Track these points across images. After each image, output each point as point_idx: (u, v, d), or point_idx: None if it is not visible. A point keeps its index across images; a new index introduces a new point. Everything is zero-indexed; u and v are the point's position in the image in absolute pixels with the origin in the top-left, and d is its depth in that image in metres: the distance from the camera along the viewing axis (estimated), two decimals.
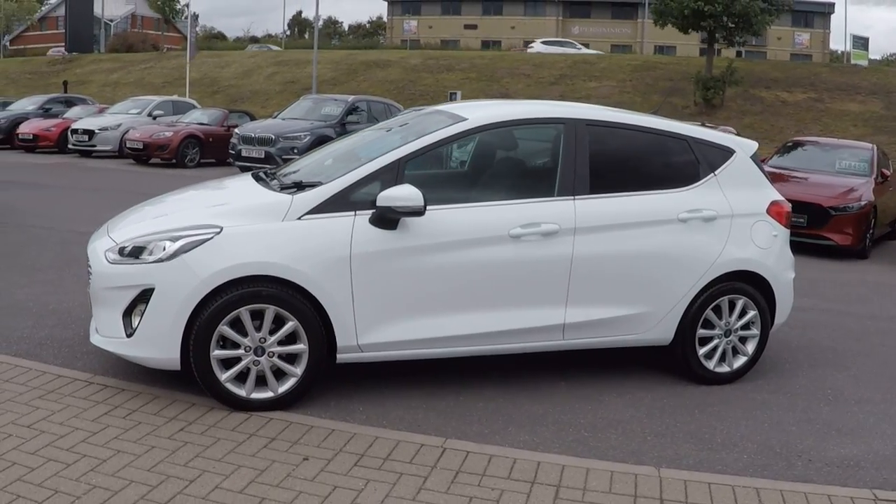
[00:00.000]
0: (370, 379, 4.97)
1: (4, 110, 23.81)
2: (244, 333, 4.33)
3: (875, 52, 72.51)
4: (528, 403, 4.80)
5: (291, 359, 4.42)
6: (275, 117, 19.99)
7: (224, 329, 4.29)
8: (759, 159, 5.59)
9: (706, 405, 4.97)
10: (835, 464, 4.26)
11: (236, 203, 4.70)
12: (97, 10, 56.73)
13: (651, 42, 59.46)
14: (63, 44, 51.18)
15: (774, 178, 11.67)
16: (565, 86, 34.68)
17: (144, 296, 4.32)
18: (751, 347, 5.37)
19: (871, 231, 11.17)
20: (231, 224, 4.38)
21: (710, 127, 14.55)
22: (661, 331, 5.11)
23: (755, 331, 5.34)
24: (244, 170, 14.48)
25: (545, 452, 4.11)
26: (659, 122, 5.32)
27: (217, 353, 4.31)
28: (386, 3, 74.53)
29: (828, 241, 10.69)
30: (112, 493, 3.44)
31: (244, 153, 17.27)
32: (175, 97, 25.90)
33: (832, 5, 64.60)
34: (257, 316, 4.33)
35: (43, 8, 70.17)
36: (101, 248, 4.62)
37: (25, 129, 21.75)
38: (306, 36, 77.21)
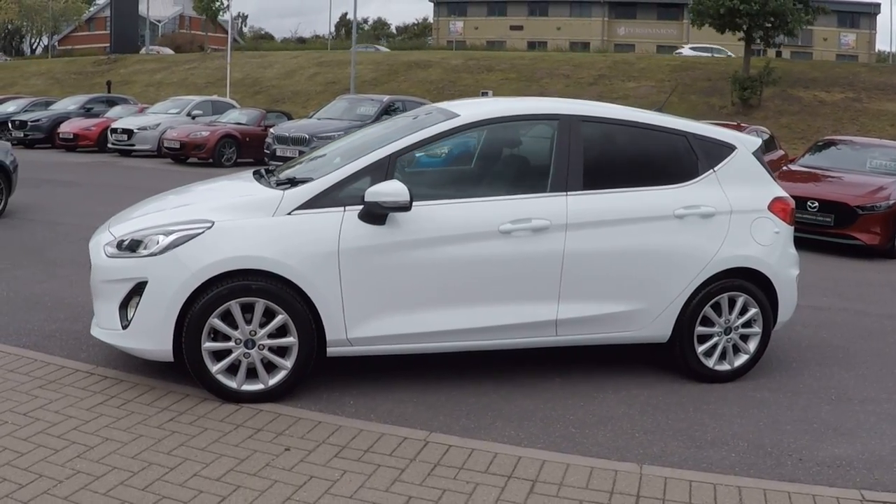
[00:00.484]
0: (363, 373, 5.02)
1: (46, 110, 24.37)
2: (235, 326, 4.41)
3: None
4: (519, 399, 4.80)
5: (282, 352, 4.49)
6: (310, 117, 20.21)
7: (215, 322, 4.37)
8: (762, 155, 5.52)
9: (702, 403, 4.92)
10: (826, 464, 4.19)
11: (231, 199, 4.79)
12: (143, 10, 57.77)
13: (697, 43, 58.79)
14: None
15: (804, 177, 11.57)
16: (603, 86, 34.47)
17: (139, 289, 4.43)
18: (752, 346, 5.29)
19: None
20: (223, 219, 4.47)
21: (744, 127, 14.46)
22: (658, 328, 5.07)
23: (757, 329, 5.27)
24: None
25: (527, 447, 4.12)
26: (656, 118, 5.28)
27: (208, 345, 4.40)
28: (432, 5, 74.75)
29: (855, 241, 10.47)
30: (93, 479, 3.54)
31: (279, 153, 17.47)
32: (215, 97, 26.33)
33: (878, 6, 63.33)
34: (248, 309, 4.41)
35: (91, 8, 71.63)
36: (101, 242, 4.74)
37: (66, 128, 22.23)
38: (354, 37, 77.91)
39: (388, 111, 18.57)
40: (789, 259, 5.42)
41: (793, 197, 11.38)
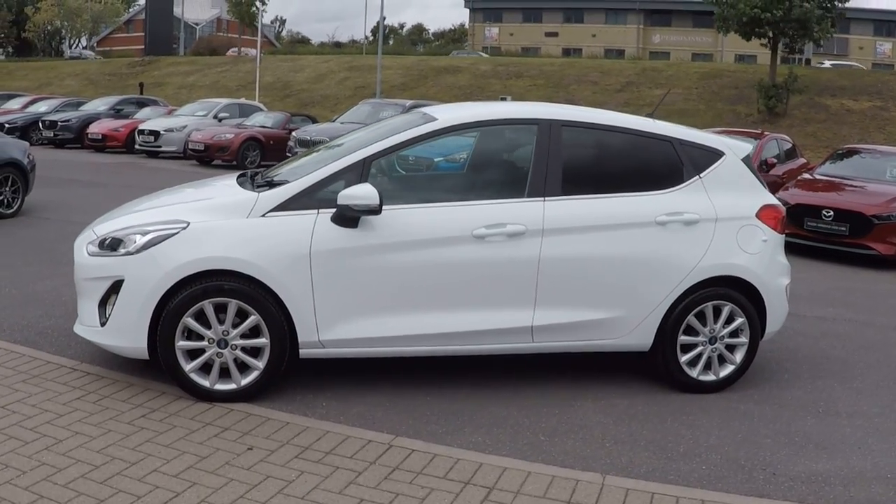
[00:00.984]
0: (340, 376, 5.03)
1: (77, 110, 24.75)
2: (208, 326, 4.45)
3: None
4: (493, 405, 4.77)
5: (254, 352, 4.52)
6: (334, 121, 20.34)
7: (188, 321, 4.42)
8: (752, 162, 5.44)
9: (682, 413, 4.85)
10: (800, 479, 4.09)
11: (210, 200, 4.83)
12: (178, 12, 58.49)
13: (731, 51, 58.12)
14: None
15: (820, 186, 11.39)
16: (630, 93, 34.19)
17: (116, 287, 4.49)
18: (739, 356, 5.21)
19: None
20: (199, 220, 4.51)
21: (766, 135, 14.25)
22: (639, 336, 5.01)
23: (744, 339, 5.18)
24: None
25: (490, 454, 4.09)
26: (641, 123, 5.21)
27: (181, 343, 4.44)
28: (468, 11, 74.85)
29: (870, 251, 10.28)
30: (56, 471, 3.61)
31: None
32: (242, 100, 26.55)
33: None
34: (222, 309, 4.45)
35: (130, 10, 72.65)
36: (84, 240, 4.81)
37: (94, 129, 22.54)
38: (390, 42, 78.38)
39: None
40: (778, 268, 5.33)
41: (808, 206, 11.14)
